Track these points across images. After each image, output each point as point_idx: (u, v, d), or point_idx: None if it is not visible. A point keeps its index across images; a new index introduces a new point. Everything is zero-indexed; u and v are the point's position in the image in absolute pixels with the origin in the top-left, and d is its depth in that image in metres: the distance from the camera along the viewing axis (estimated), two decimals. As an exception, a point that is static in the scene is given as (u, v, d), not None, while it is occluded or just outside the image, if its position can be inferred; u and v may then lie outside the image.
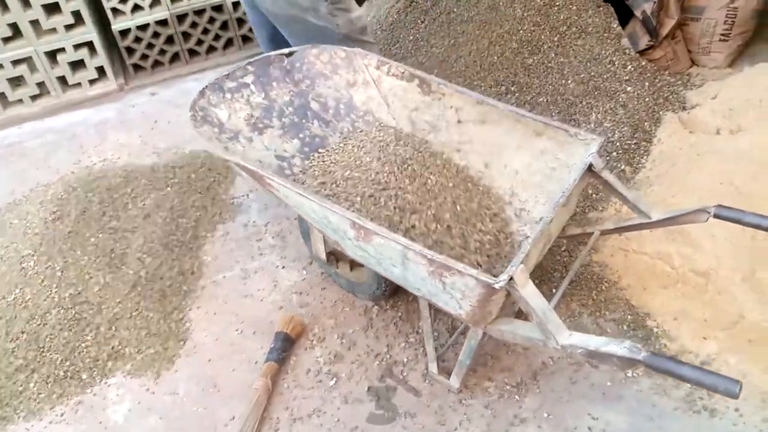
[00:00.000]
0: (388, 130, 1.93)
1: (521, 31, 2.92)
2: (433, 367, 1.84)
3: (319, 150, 1.92)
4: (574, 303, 2.06)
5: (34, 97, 3.68)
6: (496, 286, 1.28)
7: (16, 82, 3.62)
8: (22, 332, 2.08)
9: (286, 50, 1.99)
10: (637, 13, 2.91)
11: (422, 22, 3.16)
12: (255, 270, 2.36)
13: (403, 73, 1.91)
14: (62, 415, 1.96)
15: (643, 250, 2.10)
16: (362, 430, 1.82)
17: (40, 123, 3.56)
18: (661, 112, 2.50)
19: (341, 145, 1.92)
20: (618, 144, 2.40)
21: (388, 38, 3.18)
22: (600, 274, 2.12)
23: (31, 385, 2.01)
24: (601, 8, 2.86)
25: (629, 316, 2.00)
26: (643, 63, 2.68)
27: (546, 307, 1.34)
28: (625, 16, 2.97)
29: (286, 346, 2.02)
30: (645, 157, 2.37)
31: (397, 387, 1.90)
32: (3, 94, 3.60)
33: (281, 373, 1.99)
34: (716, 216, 1.52)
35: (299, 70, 1.99)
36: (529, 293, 1.34)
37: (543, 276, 2.11)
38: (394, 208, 1.69)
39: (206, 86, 1.83)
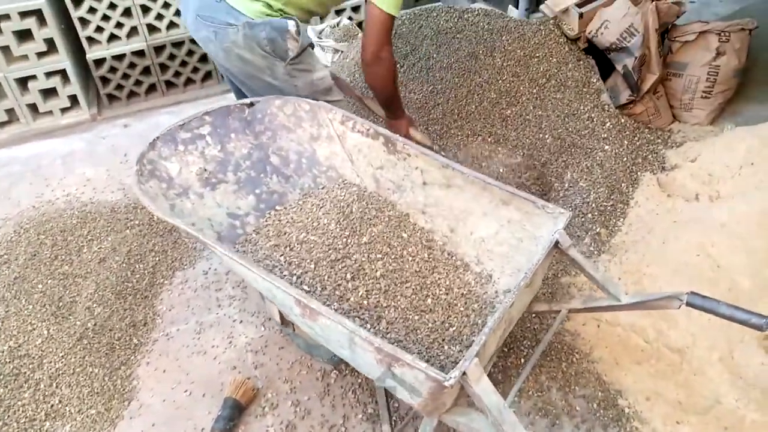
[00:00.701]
0: (350, 189, 1.84)
1: (500, 81, 2.86)
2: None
3: (276, 207, 1.82)
4: (544, 375, 1.95)
5: (2, 124, 3.57)
6: (446, 383, 1.18)
7: (-16, 108, 3.51)
8: (-46, 388, 1.94)
9: (247, 100, 1.90)
10: (619, 67, 2.87)
11: (401, 66, 3.10)
12: (211, 324, 2.24)
13: (368, 130, 1.83)
14: (-11, 482, 1.82)
15: (617, 321, 2.01)
16: None
17: (7, 151, 3.44)
18: (639, 173, 2.43)
19: (300, 203, 1.82)
20: (594, 205, 2.32)
21: (364, 83, 3.10)
22: (571, 345, 2.03)
23: (-41, 446, 1.87)
24: (581, 62, 2.81)
25: (600, 393, 1.89)
26: (623, 120, 2.62)
27: (501, 406, 1.23)
28: (607, 69, 2.93)
29: (234, 414, 1.89)
30: (621, 220, 2.29)
31: (350, 465, 1.78)
32: (-31, 120, 3.48)
33: (228, 444, 1.86)
34: (689, 304, 1.43)
35: (261, 121, 1.90)
36: (484, 389, 1.24)
37: (512, 344, 2.01)
38: (351, 277, 1.59)
39: (158, 137, 1.73)
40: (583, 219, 2.31)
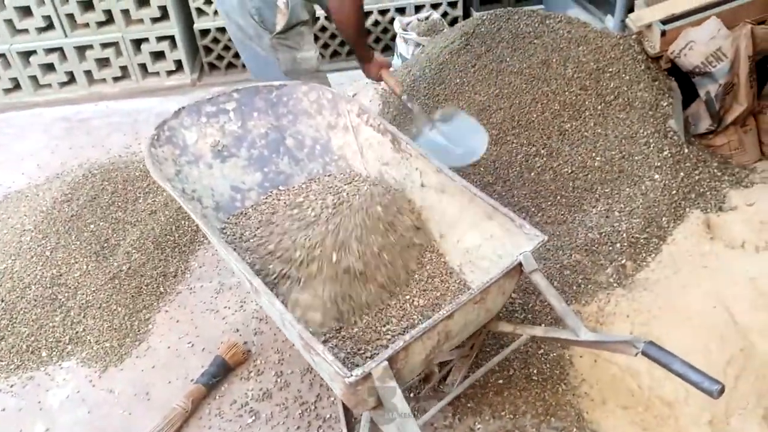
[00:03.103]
0: (355, 181, 1.88)
1: (567, 93, 2.75)
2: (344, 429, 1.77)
3: (280, 187, 1.91)
4: (521, 400, 1.89)
5: (116, 79, 3.98)
6: (346, 380, 1.21)
7: (103, 63, 3.93)
8: (2, 300, 2.25)
9: (276, 83, 2.00)
10: (701, 93, 2.65)
11: (473, 66, 3.06)
12: (230, 286, 2.40)
13: (379, 125, 1.86)
14: (12, 386, 2.09)
15: (615, 359, 1.90)
16: (258, 477, 1.79)
17: (115, 103, 3.85)
18: (687, 209, 2.24)
19: (303, 186, 1.89)
20: (624, 235, 2.18)
21: (435, 78, 3.11)
22: (561, 374, 1.94)
23: (-3, 351, 2.17)
24: (657, 82, 2.62)
25: (575, 430, 1.81)
26: (686, 150, 2.42)
27: (407, 414, 1.24)
28: (693, 93, 2.71)
29: (219, 371, 2.02)
30: (653, 256, 2.14)
31: (307, 443, 1.85)
32: (90, 72, 3.92)
33: (208, 398, 2.00)
34: (644, 354, 1.33)
35: (285, 104, 1.99)
36: (389, 394, 1.24)
37: (481, 356, 1.96)
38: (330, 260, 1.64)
39: (183, 107, 1.88)
40: (610, 248, 2.19)
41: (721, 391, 1.23)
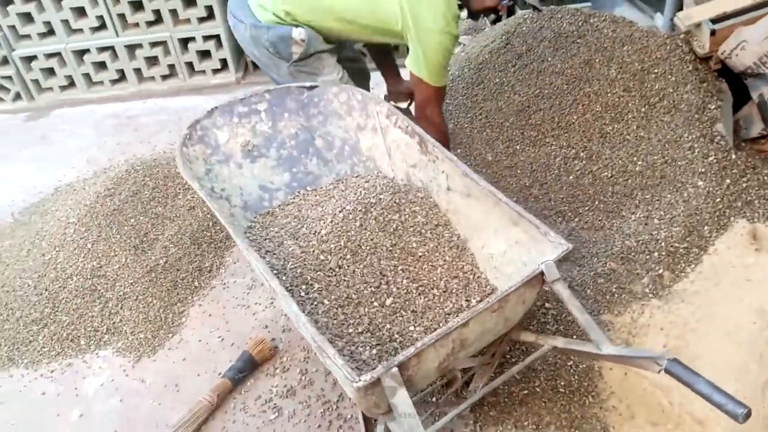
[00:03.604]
0: (383, 181, 1.87)
1: (609, 94, 2.67)
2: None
3: (307, 188, 1.93)
4: (545, 411, 1.85)
5: (164, 77, 4.10)
6: (355, 385, 1.20)
7: (152, 61, 4.05)
8: (46, 290, 2.35)
9: (307, 84, 2.01)
10: (754, 96, 2.52)
11: (513, 66, 3.01)
12: (262, 282, 2.43)
13: (407, 127, 1.85)
14: (52, 372, 2.19)
15: (646, 372, 1.83)
16: (278, 474, 1.81)
17: (162, 101, 3.96)
18: (732, 218, 2.14)
19: (331, 186, 1.90)
20: (663, 244, 2.10)
21: (474, 77, 3.07)
22: (590, 386, 1.89)
23: (40, 338, 2.27)
24: (705, 84, 2.51)
25: (599, 444, 1.76)
26: (734, 156, 2.31)
27: (416, 424, 1.23)
28: (745, 95, 2.58)
29: (246, 366, 2.06)
30: (692, 266, 2.05)
31: (328, 442, 1.86)
32: (139, 70, 4.05)
33: (234, 392, 2.04)
34: (667, 371, 1.28)
35: (316, 105, 2.01)
36: (400, 401, 1.24)
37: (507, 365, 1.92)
38: (353, 261, 1.64)
39: (216, 107, 1.92)
40: (647, 257, 2.11)
41: (747, 415, 1.17)
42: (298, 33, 2.02)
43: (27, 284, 2.38)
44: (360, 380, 1.20)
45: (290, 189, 1.93)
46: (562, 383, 1.90)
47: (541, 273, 1.42)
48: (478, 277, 1.70)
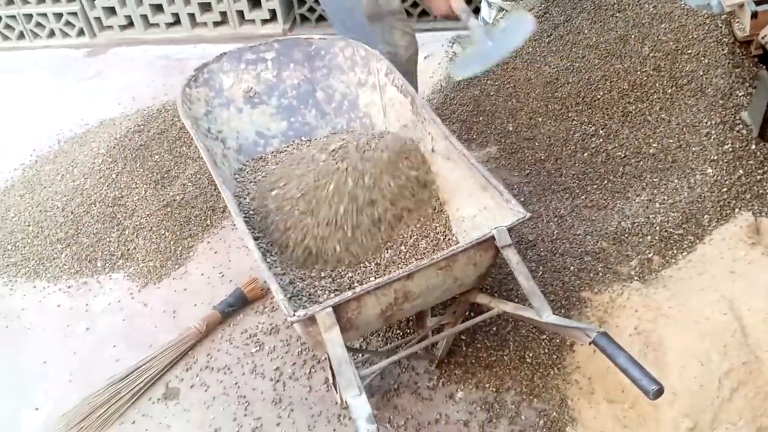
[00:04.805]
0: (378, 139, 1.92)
1: (639, 72, 2.59)
2: (329, 374, 1.87)
3: (302, 138, 2.00)
4: (509, 377, 1.89)
5: (216, 24, 4.23)
6: (289, 319, 1.29)
7: (205, 7, 4.18)
8: (72, 213, 2.55)
9: (316, 36, 2.06)
10: (791, 83, 2.39)
11: (548, 36, 2.95)
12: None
13: (402, 86, 1.88)
14: (69, 287, 2.39)
15: (613, 352, 1.84)
16: (249, 402, 1.94)
17: (210, 47, 4.08)
18: (737, 210, 2.07)
19: (326, 138, 1.97)
20: (657, 228, 2.06)
21: (508, 45, 3.02)
22: (558, 359, 1.92)
23: (63, 255, 2.48)
24: (738, 69, 2.39)
25: (554, 413, 1.79)
26: (753, 147, 2.21)
27: (343, 360, 1.30)
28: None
29: (237, 302, 2.19)
30: (684, 254, 2.01)
31: (299, 378, 1.98)
32: (193, 15, 4.19)
33: (224, 324, 2.18)
34: (594, 343, 1.30)
35: (322, 58, 2.06)
36: (331, 339, 1.31)
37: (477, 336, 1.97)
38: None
39: (226, 53, 2.00)
40: (640, 240, 2.08)
41: (658, 392, 1.18)
42: None
43: (56, 206, 2.59)
44: (294, 315, 1.28)
45: (286, 137, 2.01)
46: (530, 354, 1.93)
47: (493, 237, 1.44)
48: (449, 239, 1.74)
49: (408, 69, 2.30)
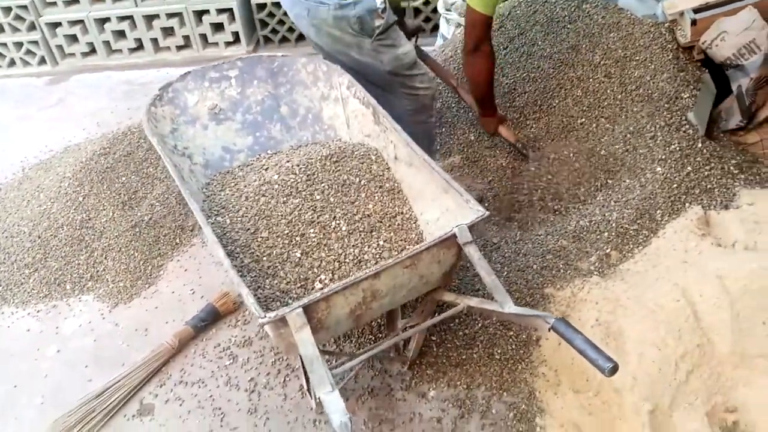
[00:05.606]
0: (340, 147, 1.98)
1: (591, 80, 2.72)
2: (304, 381, 1.90)
3: (268, 151, 2.05)
4: (478, 374, 1.95)
5: (179, 48, 4.27)
6: (260, 320, 1.33)
7: (168, 32, 4.23)
8: (39, 237, 2.54)
9: (279, 53, 2.12)
10: (733, 87, 2.53)
11: (504, 48, 3.06)
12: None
13: (363, 98, 1.95)
14: (38, 312, 2.38)
15: (576, 345, 1.91)
16: (224, 413, 1.95)
17: (175, 71, 4.11)
18: (687, 204, 2.17)
19: (290, 152, 2.02)
20: (614, 225, 2.16)
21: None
22: (525, 354, 1.98)
23: (31, 280, 2.46)
24: (683, 74, 2.53)
25: (524, 406, 1.85)
26: (700, 145, 2.34)
27: (314, 357, 1.34)
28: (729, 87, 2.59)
29: (209, 316, 2.21)
30: (640, 248, 2.10)
31: (274, 387, 2.00)
32: (156, 39, 4.23)
33: (196, 339, 2.19)
34: (553, 328, 1.37)
35: (285, 74, 2.12)
36: (302, 339, 1.35)
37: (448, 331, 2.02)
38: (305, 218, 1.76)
39: (190, 72, 2.05)
40: (597, 236, 2.17)
41: (613, 369, 1.25)
42: (380, 2, 2.04)
43: (23, 231, 2.58)
44: (265, 316, 1.32)
45: (252, 151, 2.05)
46: (499, 351, 1.99)
47: (454, 235, 1.51)
48: (417, 243, 1.79)
49: (426, 103, 2.40)
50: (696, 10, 2.55)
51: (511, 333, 2.03)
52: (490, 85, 2.32)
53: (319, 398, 1.31)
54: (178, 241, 2.59)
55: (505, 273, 2.17)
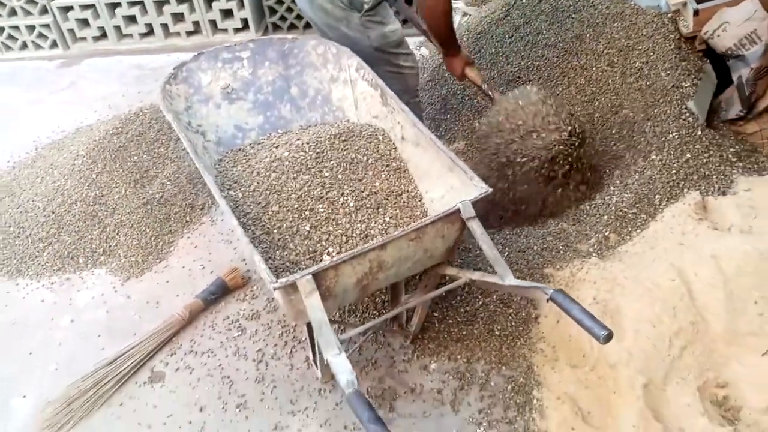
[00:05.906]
0: (347, 126, 2.03)
1: (594, 69, 2.77)
2: (310, 353, 1.97)
3: (278, 130, 2.11)
4: (478, 348, 2.01)
5: (189, 33, 4.33)
6: (271, 286, 1.39)
7: (178, 17, 4.28)
8: (53, 212, 2.61)
9: (289, 35, 2.18)
10: (734, 77, 2.58)
11: (510, 37, 3.11)
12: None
13: (372, 79, 2.00)
14: (52, 284, 2.45)
15: (572, 322, 1.97)
16: (233, 381, 2.02)
17: (184, 56, 4.10)
18: (686, 190, 2.23)
19: (299, 131, 2.08)
20: (613, 208, 2.22)
21: (472, 47, 3.19)
22: (524, 330, 2.04)
23: (45, 254, 2.53)
24: (684, 63, 2.58)
25: (521, 379, 1.91)
26: (699, 133, 2.39)
27: (323, 321, 1.41)
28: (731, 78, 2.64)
29: (218, 290, 2.28)
30: (638, 231, 2.16)
31: (281, 358, 2.07)
32: (166, 25, 4.28)
33: (206, 312, 2.26)
34: (551, 299, 1.43)
35: (295, 56, 2.18)
36: (312, 304, 1.42)
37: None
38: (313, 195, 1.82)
39: (203, 52, 2.11)
40: (597, 219, 2.23)
41: (608, 337, 1.31)
42: None
43: (38, 207, 2.65)
44: (277, 282, 1.39)
45: (262, 130, 2.11)
46: (498, 327, 2.05)
47: (458, 210, 1.57)
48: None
49: (410, 83, 2.45)
50: (699, 1, 2.60)
51: (511, 311, 2.09)
52: (448, 23, 2.26)
53: (327, 361, 1.38)
54: (188, 219, 2.66)
55: (506, 253, 2.23)
